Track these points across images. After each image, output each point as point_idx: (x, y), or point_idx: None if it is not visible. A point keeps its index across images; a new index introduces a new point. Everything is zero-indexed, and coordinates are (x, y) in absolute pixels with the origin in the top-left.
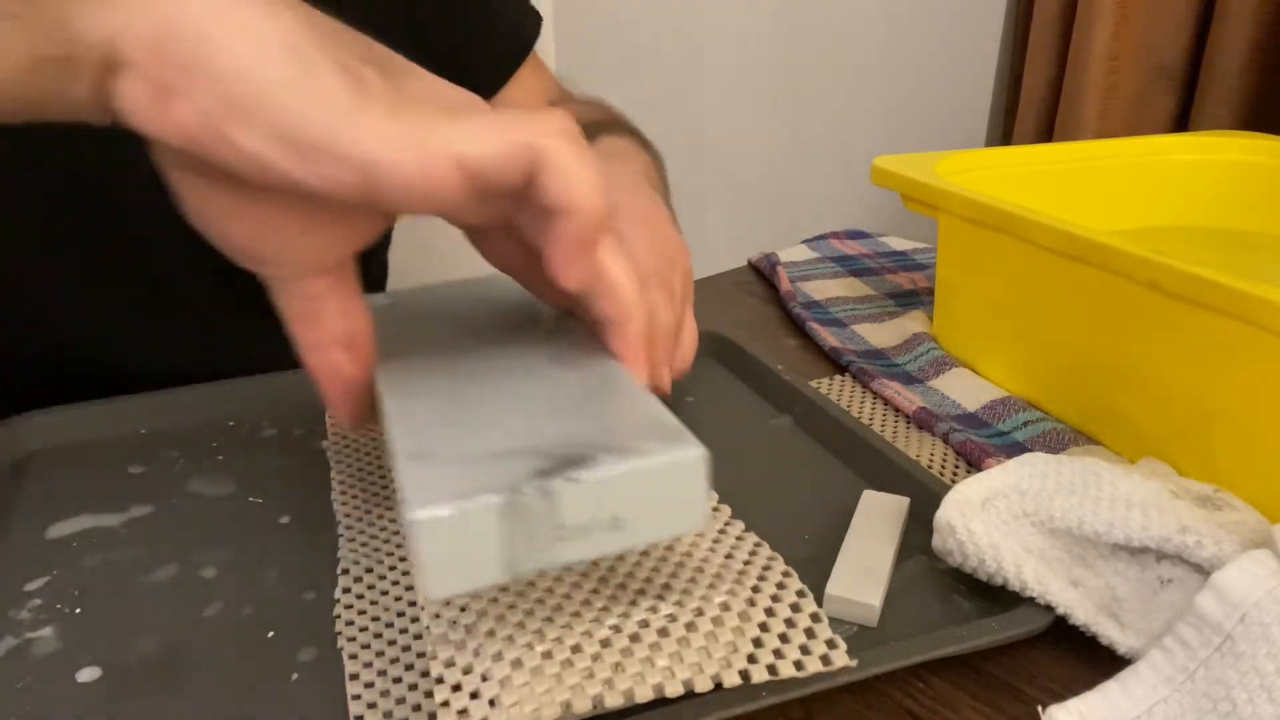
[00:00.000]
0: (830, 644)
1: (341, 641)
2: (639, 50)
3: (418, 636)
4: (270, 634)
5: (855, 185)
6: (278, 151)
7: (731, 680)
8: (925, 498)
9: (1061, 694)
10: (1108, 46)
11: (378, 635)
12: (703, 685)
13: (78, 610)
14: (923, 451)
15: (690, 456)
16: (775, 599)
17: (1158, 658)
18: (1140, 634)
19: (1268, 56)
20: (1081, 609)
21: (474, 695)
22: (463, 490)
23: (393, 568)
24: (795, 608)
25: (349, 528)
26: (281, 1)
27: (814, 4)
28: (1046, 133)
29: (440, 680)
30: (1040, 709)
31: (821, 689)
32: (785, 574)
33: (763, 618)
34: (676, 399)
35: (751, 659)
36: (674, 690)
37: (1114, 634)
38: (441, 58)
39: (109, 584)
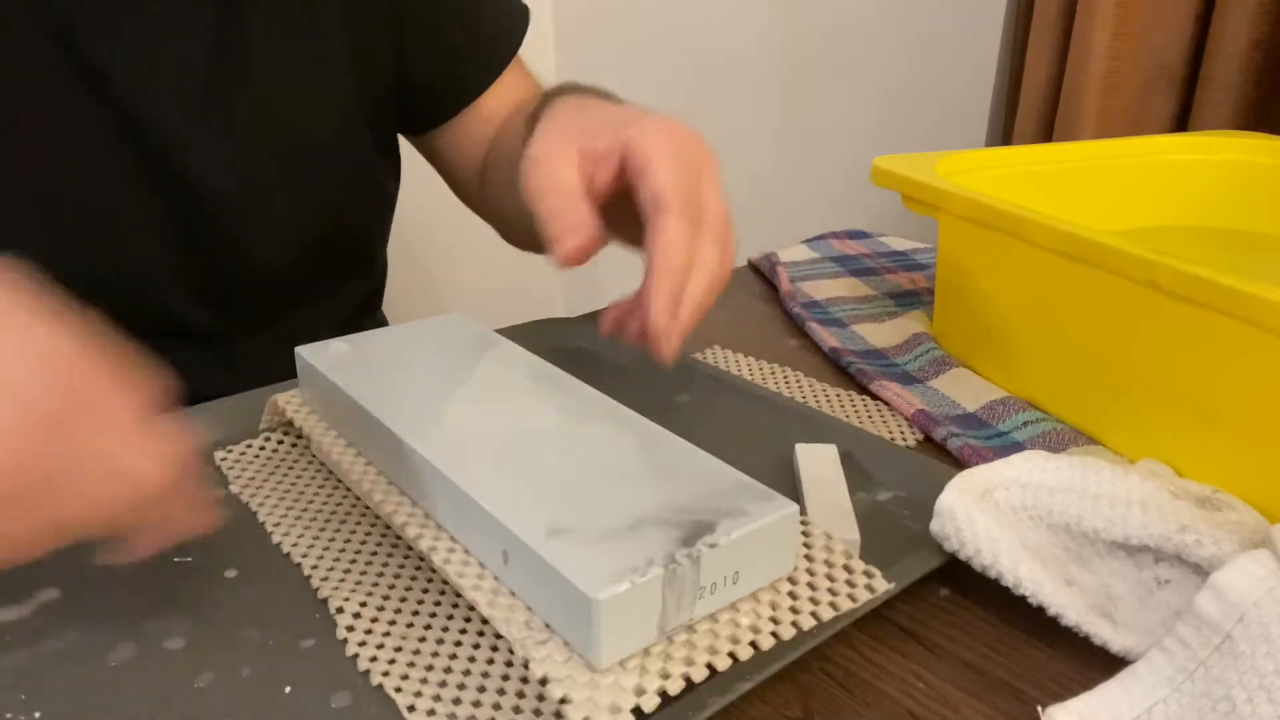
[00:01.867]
0: (868, 574)
1: (376, 678)
2: (639, 50)
3: (453, 657)
4: (288, 689)
5: (855, 185)
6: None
7: (807, 623)
8: (845, 442)
9: (1061, 694)
10: (1108, 46)
11: (411, 665)
12: (766, 644)
13: (37, 714)
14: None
15: (790, 512)
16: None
17: (1157, 658)
18: (1134, 632)
19: (1268, 56)
20: (1074, 609)
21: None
22: (626, 565)
23: (386, 597)
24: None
25: (314, 567)
26: None
27: (814, 4)
28: (1046, 133)
29: (545, 681)
30: (1040, 709)
31: (822, 690)
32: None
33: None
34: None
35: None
36: (745, 653)
37: (1107, 633)
38: (423, 64)
39: (62, 678)
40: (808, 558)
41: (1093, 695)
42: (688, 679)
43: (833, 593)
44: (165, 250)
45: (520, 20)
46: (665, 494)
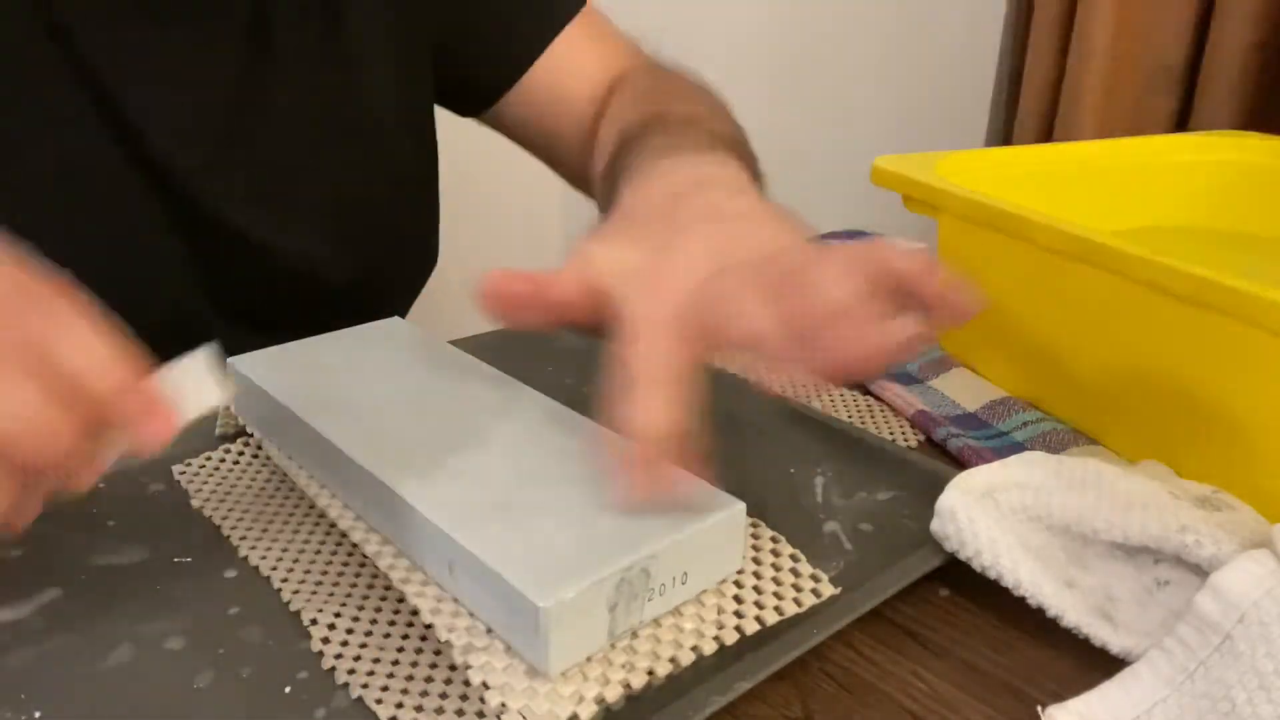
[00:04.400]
0: (815, 578)
1: (356, 690)
2: None
3: (433, 666)
4: (288, 689)
5: (855, 185)
6: None
7: (751, 627)
8: (845, 442)
9: (1061, 694)
10: (1108, 46)
11: (390, 675)
12: (709, 649)
13: (37, 714)
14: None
15: (738, 509)
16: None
17: (1157, 658)
18: (1134, 633)
19: (1268, 56)
20: (1074, 611)
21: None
22: (573, 570)
23: (360, 608)
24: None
25: (284, 580)
26: None
27: (814, 4)
28: (1046, 133)
29: (487, 685)
30: (1040, 709)
31: (822, 690)
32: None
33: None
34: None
35: (759, 605)
36: (687, 658)
37: (1106, 634)
38: (471, 38)
39: (62, 678)
40: (755, 560)
41: (1093, 695)
42: (627, 685)
43: (778, 596)
44: (191, 284)
45: None
46: (611, 496)
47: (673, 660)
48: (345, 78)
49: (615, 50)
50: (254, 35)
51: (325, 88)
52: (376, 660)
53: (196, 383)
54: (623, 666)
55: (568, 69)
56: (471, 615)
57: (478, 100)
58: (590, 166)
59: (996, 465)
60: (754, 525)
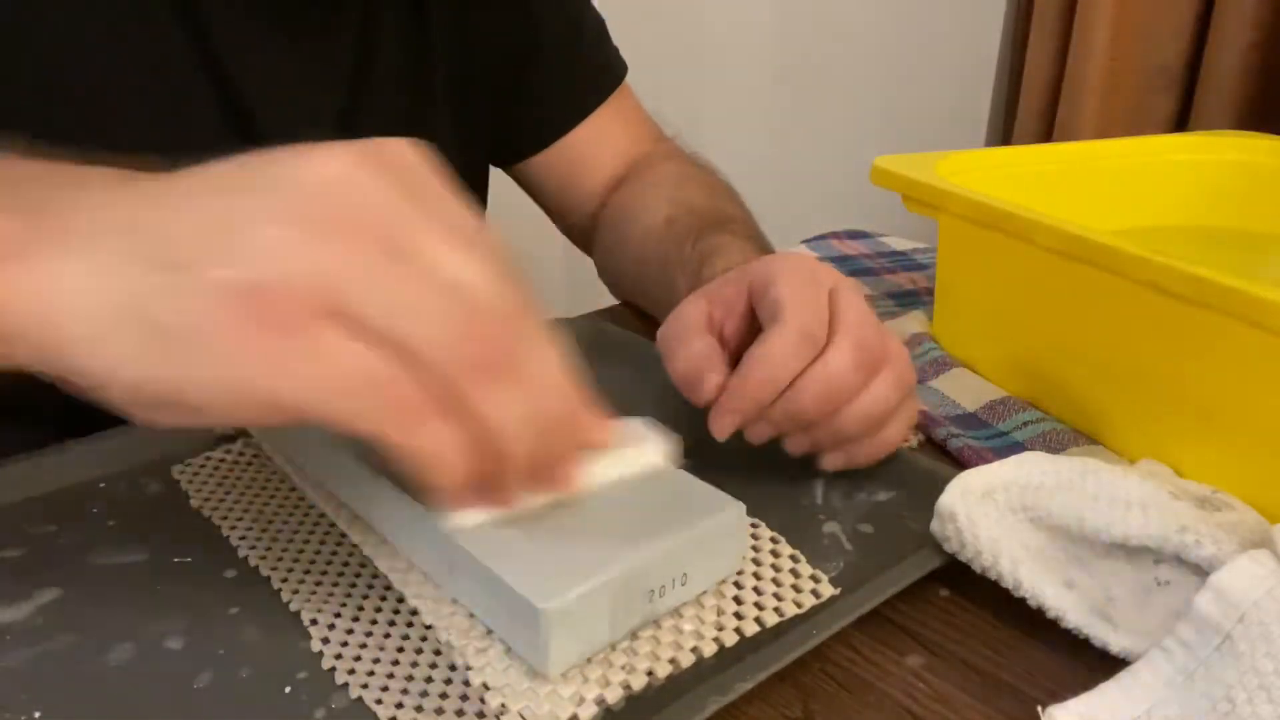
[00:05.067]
0: (814, 579)
1: (356, 690)
2: (639, 50)
3: (433, 666)
4: (288, 689)
5: (855, 185)
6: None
7: (750, 628)
8: None
9: (1061, 694)
10: (1108, 46)
11: (390, 676)
12: (709, 650)
13: (37, 714)
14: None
15: (738, 511)
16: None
17: (1157, 658)
18: (1134, 634)
19: (1268, 56)
20: (1074, 612)
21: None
22: (573, 572)
23: (360, 608)
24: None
25: (284, 580)
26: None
27: (814, 4)
28: (1046, 133)
29: (487, 686)
30: (1040, 709)
31: (822, 690)
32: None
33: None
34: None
35: (759, 605)
36: (687, 659)
37: (1107, 635)
38: (507, 89)
39: (62, 678)
40: (755, 560)
41: (1092, 695)
42: (627, 686)
43: (778, 597)
44: None
45: (611, 68)
46: (612, 498)
47: (673, 661)
48: (429, 111)
49: (640, 133)
50: (362, 47)
51: (412, 116)
52: (376, 660)
53: (639, 439)
54: (623, 668)
55: (594, 143)
56: (471, 616)
57: (502, 157)
58: (598, 237)
59: (996, 465)
60: (754, 525)
